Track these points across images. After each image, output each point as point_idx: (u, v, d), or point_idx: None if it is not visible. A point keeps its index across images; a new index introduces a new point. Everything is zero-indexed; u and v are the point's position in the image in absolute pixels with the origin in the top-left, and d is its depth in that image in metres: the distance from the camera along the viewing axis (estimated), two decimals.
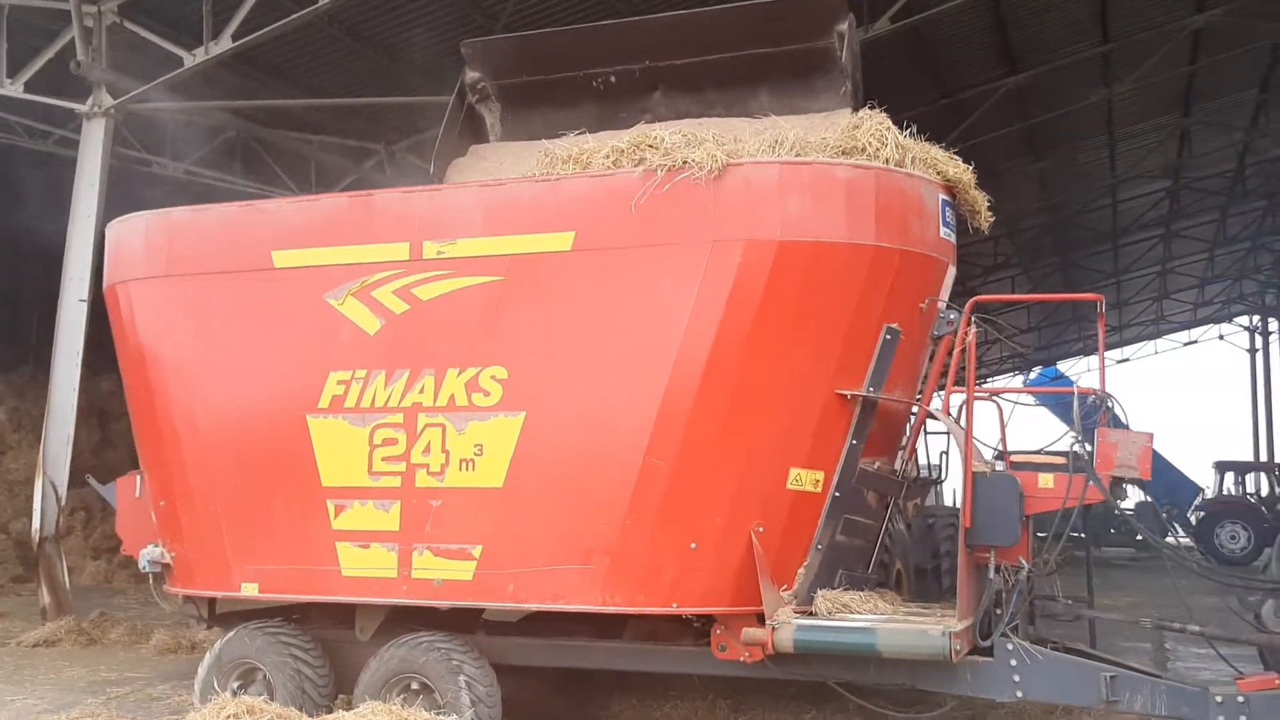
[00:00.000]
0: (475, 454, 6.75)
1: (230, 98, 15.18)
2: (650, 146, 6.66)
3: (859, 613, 6.51)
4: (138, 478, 7.84)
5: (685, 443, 6.37)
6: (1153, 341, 47.00)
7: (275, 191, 17.72)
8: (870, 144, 6.67)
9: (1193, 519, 28.08)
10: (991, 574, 6.32)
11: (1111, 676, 6.25)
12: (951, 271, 6.97)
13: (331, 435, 7.04)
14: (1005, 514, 6.28)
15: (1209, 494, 28.89)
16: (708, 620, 6.91)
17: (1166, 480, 27.92)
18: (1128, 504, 22.01)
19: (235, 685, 7.26)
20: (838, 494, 6.55)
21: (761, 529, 6.39)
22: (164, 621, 13.50)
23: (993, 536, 6.29)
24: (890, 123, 6.81)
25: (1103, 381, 7.00)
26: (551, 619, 7.15)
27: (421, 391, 6.89)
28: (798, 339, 6.41)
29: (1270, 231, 34.63)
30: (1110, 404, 6.80)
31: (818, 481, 6.51)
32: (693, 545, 6.39)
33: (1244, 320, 45.78)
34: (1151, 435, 6.64)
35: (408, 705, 6.79)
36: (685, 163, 6.45)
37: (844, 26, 7.99)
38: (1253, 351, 45.73)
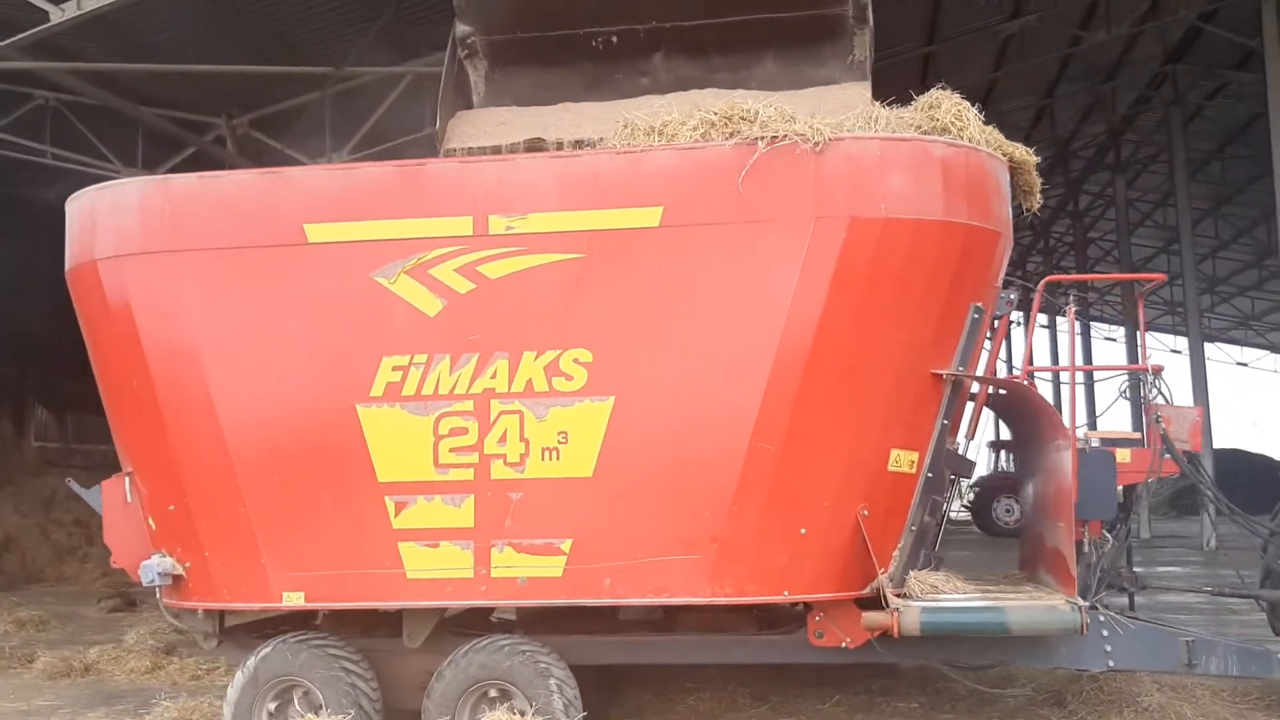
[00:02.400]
0: (559, 442, 6.34)
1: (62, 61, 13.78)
2: (744, 119, 6.40)
3: (947, 592, 6.52)
4: (126, 480, 6.93)
5: (792, 425, 6.19)
6: None
7: (99, 164, 16.27)
8: (953, 124, 6.66)
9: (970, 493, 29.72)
10: (1087, 547, 6.46)
11: (1190, 642, 6.51)
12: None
13: (388, 426, 6.44)
14: (1105, 489, 6.43)
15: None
16: (776, 608, 6.84)
17: None
18: None
19: (272, 706, 6.58)
20: (930, 474, 6.53)
21: (866, 512, 6.29)
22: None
23: (1093, 510, 6.43)
24: (967, 103, 6.84)
25: (1143, 358, 7.28)
26: (581, 614, 6.81)
27: (494, 377, 6.40)
28: (899, 318, 6.33)
29: (1026, 226, 37.29)
30: (1160, 381, 7.05)
31: (913, 462, 6.46)
32: (802, 531, 6.21)
33: None
34: (1201, 410, 6.96)
35: (484, 713, 6.34)
36: (786, 136, 6.26)
37: None
38: None
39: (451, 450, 6.41)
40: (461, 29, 8.31)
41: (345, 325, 6.54)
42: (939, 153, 6.40)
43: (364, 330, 6.51)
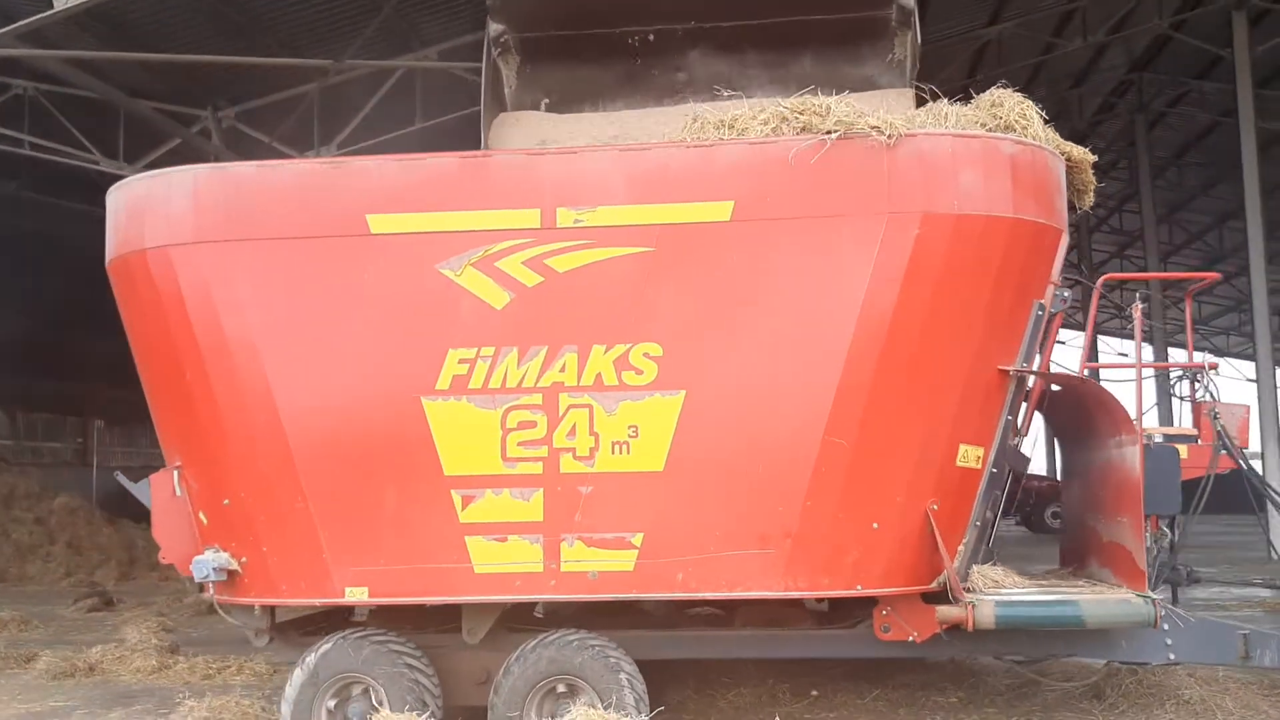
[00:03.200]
0: (630, 436, 6.29)
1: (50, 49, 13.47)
2: (815, 113, 6.41)
3: (1007, 586, 6.57)
4: (175, 473, 6.77)
5: (866, 420, 6.20)
6: None
7: (78, 155, 15.99)
8: (1018, 121, 6.72)
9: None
10: (1148, 542, 6.53)
11: (1246, 635, 6.61)
12: None
13: (454, 419, 6.36)
14: (1170, 484, 6.51)
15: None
16: (833, 602, 6.87)
17: None
18: None
19: (332, 704, 6.47)
20: (994, 470, 6.57)
21: (936, 507, 6.32)
22: None
23: (1160, 505, 6.50)
24: (1029, 102, 6.89)
25: (1191, 356, 7.39)
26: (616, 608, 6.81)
27: (563, 370, 6.35)
28: (969, 314, 6.36)
29: None
30: (1207, 377, 7.16)
31: (979, 458, 6.49)
32: (875, 525, 6.23)
33: None
34: (1248, 407, 7.07)
35: (554, 708, 6.31)
36: (860, 130, 6.27)
37: None
38: None
39: (520, 444, 6.34)
40: (495, 28, 8.25)
41: (409, 317, 6.45)
42: (1008, 150, 6.44)
43: (429, 322, 6.43)
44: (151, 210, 6.72)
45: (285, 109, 16.34)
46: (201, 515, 6.67)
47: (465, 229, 6.43)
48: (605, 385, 6.33)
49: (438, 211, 6.47)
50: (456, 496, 6.34)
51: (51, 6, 11.07)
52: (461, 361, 6.39)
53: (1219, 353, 50.24)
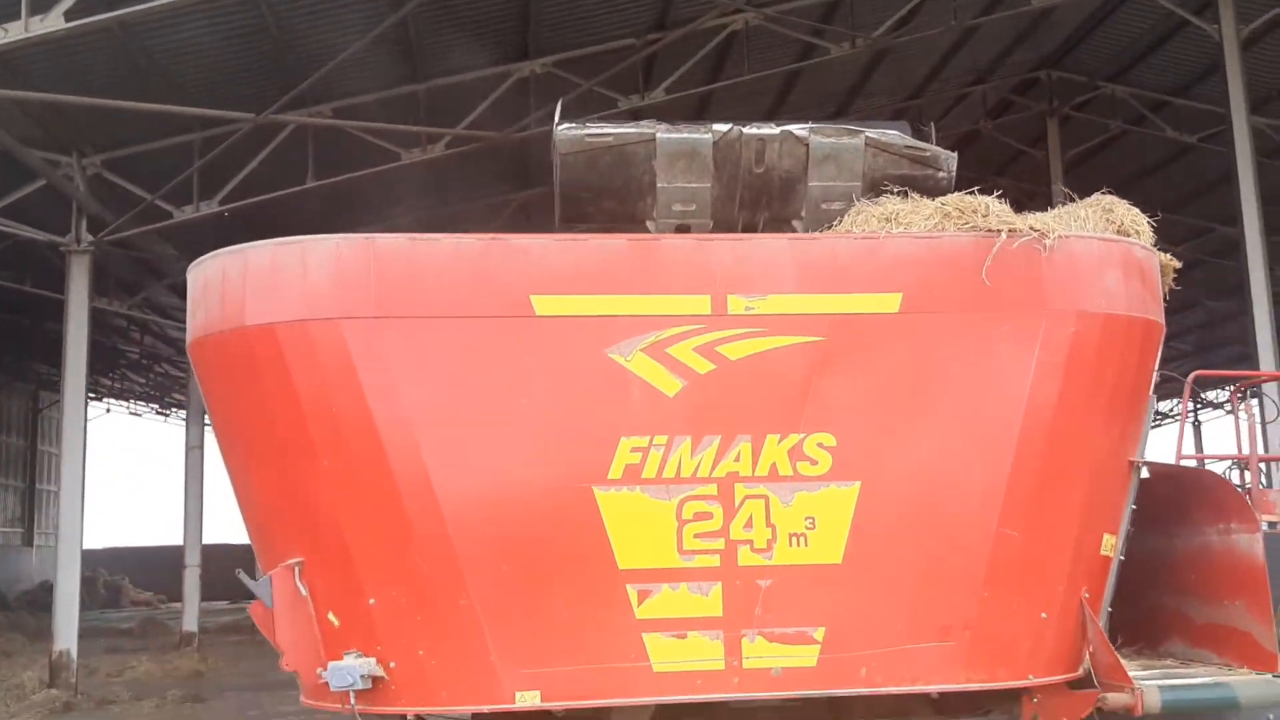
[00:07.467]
0: (807, 528, 6.21)
1: None
2: (975, 211, 6.59)
3: (1133, 670, 6.83)
4: (296, 569, 6.16)
5: (1034, 511, 6.35)
6: None
7: None
8: (1132, 226, 7.11)
9: None
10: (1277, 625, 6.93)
11: None
12: None
13: (628, 510, 6.09)
14: None
15: None
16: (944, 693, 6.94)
17: None
18: None
19: None
20: (1123, 557, 6.85)
21: (1088, 594, 6.53)
22: None
23: (1277, 590, 6.92)
24: (1136, 209, 7.30)
25: (1239, 446, 7.95)
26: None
27: (738, 460, 6.21)
28: (1113, 408, 6.64)
29: None
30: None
31: (1114, 546, 6.76)
32: (1043, 615, 6.37)
33: None
34: None
35: None
36: (1019, 230, 6.49)
37: None
38: None
39: (696, 536, 6.14)
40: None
41: (579, 403, 6.15)
42: (1139, 255, 6.81)
43: (600, 409, 6.16)
44: (280, 282, 6.16)
45: (159, 159, 15.27)
46: (331, 616, 6.10)
47: (635, 313, 6.22)
48: (780, 475, 6.23)
49: (606, 295, 6.23)
50: (632, 591, 6.06)
51: None
52: (634, 450, 6.14)
53: None
